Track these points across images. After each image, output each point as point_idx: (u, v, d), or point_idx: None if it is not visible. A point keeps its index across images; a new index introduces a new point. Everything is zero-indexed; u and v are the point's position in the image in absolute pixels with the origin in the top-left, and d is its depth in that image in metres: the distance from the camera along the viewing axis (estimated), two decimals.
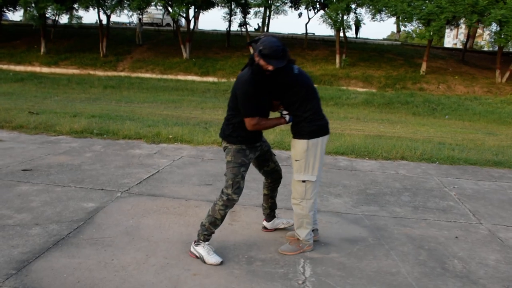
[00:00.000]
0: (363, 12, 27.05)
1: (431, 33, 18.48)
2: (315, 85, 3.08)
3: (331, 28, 22.94)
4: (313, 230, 3.30)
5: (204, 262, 2.95)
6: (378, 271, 3.03)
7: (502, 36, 17.54)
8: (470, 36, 27.60)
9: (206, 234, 3.05)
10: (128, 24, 30.24)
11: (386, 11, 20.45)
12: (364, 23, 24.68)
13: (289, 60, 2.88)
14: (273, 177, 3.39)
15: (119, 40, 24.24)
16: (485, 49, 34.57)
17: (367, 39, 33.45)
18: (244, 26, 25.23)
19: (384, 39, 42.72)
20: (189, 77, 20.31)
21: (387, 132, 10.62)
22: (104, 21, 22.99)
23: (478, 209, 4.55)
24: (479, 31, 32.41)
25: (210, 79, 20.39)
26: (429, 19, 17.69)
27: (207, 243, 3.04)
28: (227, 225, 3.63)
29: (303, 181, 3.09)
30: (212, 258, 2.94)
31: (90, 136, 6.91)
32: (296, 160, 3.08)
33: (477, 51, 30.30)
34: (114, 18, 25.97)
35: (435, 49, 26.71)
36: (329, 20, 21.30)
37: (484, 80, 20.47)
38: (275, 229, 3.60)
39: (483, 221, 4.20)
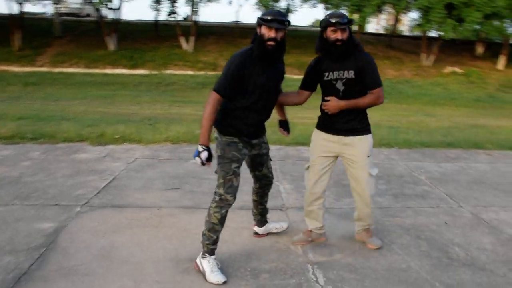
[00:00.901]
0: None
1: (363, 19, 19.04)
2: None
3: None
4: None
5: (205, 279, 2.62)
6: (390, 268, 2.89)
7: (428, 22, 18.52)
8: (396, 21, 29.00)
9: (208, 243, 2.71)
10: (43, 14, 27.84)
11: None
12: (296, 10, 24.93)
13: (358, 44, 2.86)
14: (262, 182, 3.09)
15: (35, 32, 22.16)
16: (405, 33, 36.54)
17: (296, 26, 33.87)
18: (174, 15, 24.30)
19: (310, 26, 43.68)
20: (118, 70, 19.11)
21: None
22: (17, 11, 20.91)
23: (452, 192, 4.62)
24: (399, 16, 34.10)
25: (141, 71, 19.37)
26: (360, 5, 18.19)
27: (213, 257, 2.71)
28: None
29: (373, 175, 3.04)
30: (214, 277, 2.60)
31: (22, 141, 6.09)
32: (368, 156, 3.00)
33: (401, 36, 31.90)
34: (28, 7, 23.66)
35: (362, 34, 27.67)
36: (263, 7, 21.14)
37: (411, 64, 21.56)
38: (268, 234, 3.32)
39: (462, 204, 4.25)
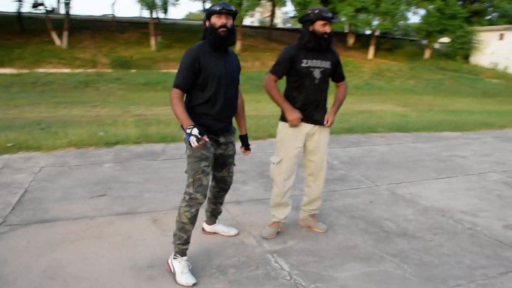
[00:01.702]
0: None
1: (245, 12, 19.62)
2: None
3: (145, 9, 22.20)
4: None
5: (175, 280, 2.61)
6: (341, 247, 3.16)
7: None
8: (273, 15, 30.39)
9: (179, 243, 2.68)
10: None
11: None
12: (178, 3, 24.69)
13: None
14: (219, 185, 3.10)
15: None
16: (280, 26, 38.54)
17: (176, 19, 33.56)
18: (40, 7, 22.22)
19: (184, 19, 43.73)
20: None
21: None
22: None
23: (365, 173, 5.14)
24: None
25: (8, 70, 17.41)
26: None
27: (184, 258, 2.69)
28: (162, 237, 3.23)
29: None
30: (184, 279, 2.59)
31: None
32: (328, 144, 3.33)
33: (278, 28, 33.58)
34: None
35: (241, 27, 28.51)
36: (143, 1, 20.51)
37: None
38: (215, 233, 3.36)
39: (378, 183, 4.77)
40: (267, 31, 28.99)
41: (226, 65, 2.74)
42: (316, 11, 3.03)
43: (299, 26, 27.57)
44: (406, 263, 2.95)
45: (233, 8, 2.68)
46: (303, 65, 3.09)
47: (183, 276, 2.60)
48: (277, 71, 3.19)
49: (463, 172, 5.41)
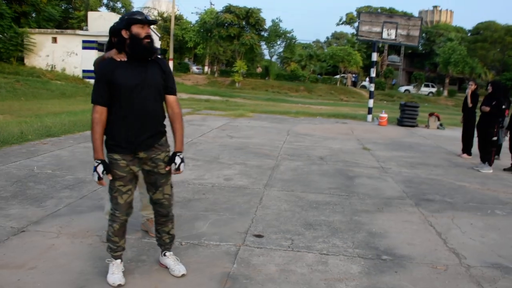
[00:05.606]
0: None
1: None
2: None
3: None
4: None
5: (107, 280, 2.90)
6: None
7: None
8: None
9: (110, 251, 2.93)
10: None
11: None
12: None
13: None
14: (156, 209, 2.99)
15: None
16: None
17: None
18: None
19: None
20: None
21: None
22: None
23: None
24: None
25: None
26: None
27: (118, 261, 2.95)
28: (28, 271, 3.09)
29: None
30: (110, 278, 2.89)
31: None
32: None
33: None
34: None
35: None
36: None
37: None
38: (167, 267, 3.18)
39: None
40: None
41: (137, 74, 2.71)
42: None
43: None
44: (220, 211, 4.40)
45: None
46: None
47: (112, 276, 2.89)
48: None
49: None
